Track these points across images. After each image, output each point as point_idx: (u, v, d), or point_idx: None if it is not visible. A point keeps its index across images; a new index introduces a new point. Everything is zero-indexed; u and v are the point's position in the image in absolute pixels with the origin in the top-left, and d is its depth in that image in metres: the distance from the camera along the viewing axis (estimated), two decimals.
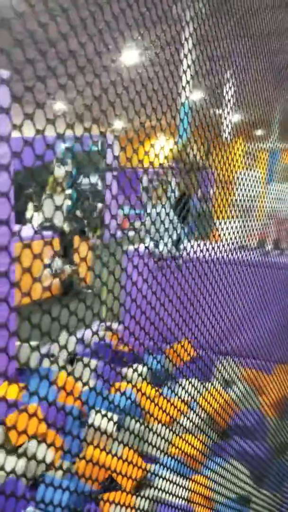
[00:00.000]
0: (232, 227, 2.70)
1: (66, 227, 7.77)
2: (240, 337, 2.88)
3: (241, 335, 2.90)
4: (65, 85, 1.16)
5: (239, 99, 2.50)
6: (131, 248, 1.77)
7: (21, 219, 8.61)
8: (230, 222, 2.66)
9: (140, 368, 3.33)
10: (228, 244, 2.61)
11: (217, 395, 2.67)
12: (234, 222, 2.72)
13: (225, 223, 2.62)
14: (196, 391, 2.32)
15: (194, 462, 2.44)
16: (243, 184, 2.88)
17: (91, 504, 2.81)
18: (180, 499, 2.20)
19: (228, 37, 2.14)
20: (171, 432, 2.09)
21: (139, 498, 2.03)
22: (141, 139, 1.66)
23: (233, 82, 2.48)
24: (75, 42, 1.18)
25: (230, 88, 2.44)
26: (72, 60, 1.17)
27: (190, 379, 2.29)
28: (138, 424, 1.88)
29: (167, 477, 2.07)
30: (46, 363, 3.98)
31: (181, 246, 2.16)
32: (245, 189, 2.90)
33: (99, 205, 8.83)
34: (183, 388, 2.19)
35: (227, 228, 2.59)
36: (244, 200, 2.95)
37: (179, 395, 2.12)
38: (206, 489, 2.48)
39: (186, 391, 2.22)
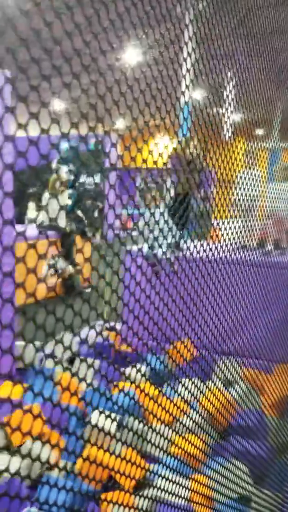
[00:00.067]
0: (232, 227, 2.70)
1: (67, 227, 7.77)
2: (242, 337, 2.88)
3: (243, 334, 2.89)
4: (69, 84, 1.15)
5: (242, 98, 2.49)
6: (134, 248, 1.76)
7: (21, 219, 8.61)
8: (230, 222, 2.66)
9: (141, 367, 3.31)
10: (228, 244, 2.60)
11: (219, 394, 2.67)
12: (234, 222, 2.71)
13: (223, 223, 2.61)
14: (196, 391, 2.31)
15: (194, 461, 2.43)
16: (244, 184, 2.87)
17: (91, 504, 2.81)
18: (181, 499, 2.20)
19: (231, 36, 2.13)
20: (172, 432, 2.08)
21: (139, 498, 2.03)
22: (142, 138, 1.65)
23: (236, 81, 2.47)
24: (79, 41, 1.17)
25: (233, 87, 2.44)
26: (76, 59, 1.16)
27: (191, 379, 2.28)
28: (138, 424, 1.87)
29: (167, 476, 2.06)
30: (47, 363, 3.98)
31: (182, 246, 2.14)
32: (245, 189, 2.90)
33: (100, 204, 8.83)
34: (186, 387, 2.19)
35: (225, 229, 2.58)
36: (244, 200, 2.95)
37: (179, 394, 2.12)
38: (206, 488, 2.48)
39: (187, 390, 2.22)
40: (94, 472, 1.61)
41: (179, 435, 2.18)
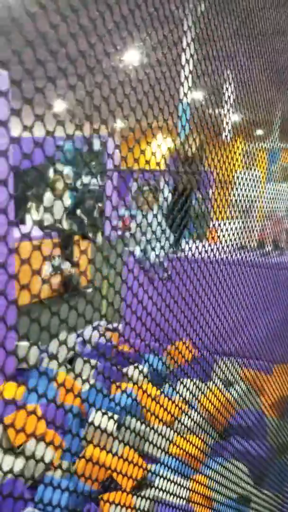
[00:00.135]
0: (231, 228, 2.70)
1: (67, 227, 7.77)
2: (243, 337, 2.89)
3: (243, 335, 2.90)
4: (74, 85, 1.15)
5: (243, 99, 2.50)
6: (134, 248, 1.76)
7: (22, 219, 8.61)
8: (229, 223, 2.66)
9: (140, 367, 3.32)
10: (227, 245, 2.60)
11: (219, 394, 2.67)
12: (233, 223, 2.71)
13: (224, 224, 2.62)
14: (194, 391, 2.32)
15: (194, 461, 2.44)
16: (243, 184, 2.88)
17: (91, 504, 2.81)
18: (180, 499, 2.20)
19: (232, 37, 2.13)
20: (171, 432, 2.09)
21: (139, 498, 2.03)
22: (144, 140, 1.65)
23: (236, 81, 2.48)
24: (82, 43, 1.17)
25: (233, 88, 2.44)
26: (81, 60, 1.16)
27: (192, 380, 2.29)
28: (138, 424, 1.87)
29: (167, 477, 2.06)
30: (47, 362, 3.98)
31: (181, 246, 2.14)
32: (244, 189, 2.90)
33: (100, 205, 8.83)
34: (186, 387, 2.19)
35: (222, 230, 2.58)
36: (243, 200, 2.95)
37: (179, 393, 2.12)
38: (206, 488, 2.48)
39: (188, 389, 2.23)
40: (93, 472, 1.61)
41: (179, 435, 2.18)
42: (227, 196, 2.59)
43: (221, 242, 2.59)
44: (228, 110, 2.37)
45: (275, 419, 3.52)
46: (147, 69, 1.57)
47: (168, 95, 1.63)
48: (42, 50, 1.10)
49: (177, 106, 1.69)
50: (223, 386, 2.96)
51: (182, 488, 2.19)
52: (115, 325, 4.61)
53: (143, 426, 1.95)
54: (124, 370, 3.35)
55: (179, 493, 2.15)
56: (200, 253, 2.15)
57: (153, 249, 1.80)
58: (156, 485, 1.99)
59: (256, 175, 3.16)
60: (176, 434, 2.13)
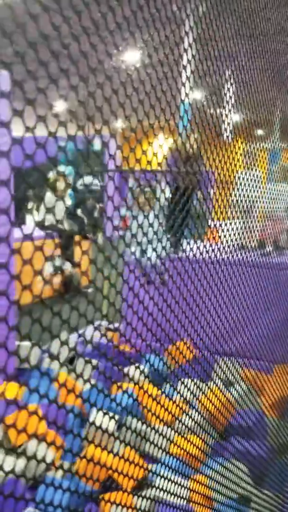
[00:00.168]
0: (232, 228, 2.70)
1: (67, 227, 7.77)
2: (244, 338, 2.89)
3: (244, 335, 2.90)
4: (76, 86, 1.15)
5: (244, 99, 2.50)
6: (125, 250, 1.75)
7: (23, 220, 8.61)
8: (230, 224, 2.66)
9: (141, 367, 3.32)
10: (228, 245, 2.61)
11: (219, 393, 2.68)
12: (231, 223, 2.71)
13: (225, 224, 2.62)
14: (194, 391, 2.32)
15: (194, 461, 2.44)
16: (243, 184, 2.88)
17: (91, 504, 2.81)
18: (180, 499, 2.21)
19: (234, 37, 2.13)
20: (171, 432, 2.09)
21: (139, 498, 2.03)
22: (142, 138, 1.64)
23: (237, 81, 2.48)
24: (87, 43, 1.17)
25: (234, 88, 2.44)
26: (83, 60, 1.16)
27: (193, 380, 2.29)
28: (139, 423, 1.88)
29: (167, 476, 2.07)
30: (47, 362, 3.98)
31: (182, 246, 2.13)
32: (245, 189, 2.90)
33: (99, 205, 8.83)
34: (186, 387, 2.20)
35: (224, 230, 2.58)
36: (244, 201, 2.95)
37: (179, 394, 2.12)
38: (206, 489, 2.49)
39: (188, 389, 2.23)
40: (93, 472, 1.61)
41: (180, 435, 2.19)
42: (227, 197, 2.59)
43: (222, 243, 2.59)
44: (230, 111, 2.37)
45: (275, 419, 3.53)
46: (146, 69, 1.57)
47: (170, 95, 1.64)
48: (43, 50, 1.10)
49: (179, 107, 1.69)
50: (223, 386, 2.96)
51: (182, 488, 2.19)
52: (115, 325, 4.61)
53: (144, 426, 1.96)
54: (125, 370, 3.35)
55: (179, 493, 2.16)
56: (201, 254, 2.15)
57: (144, 252, 1.74)
58: (156, 485, 2.00)
59: (256, 175, 3.16)
60: (176, 434, 2.13)
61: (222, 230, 2.57)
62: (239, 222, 2.93)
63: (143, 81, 1.47)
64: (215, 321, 2.38)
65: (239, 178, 2.77)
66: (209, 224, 2.70)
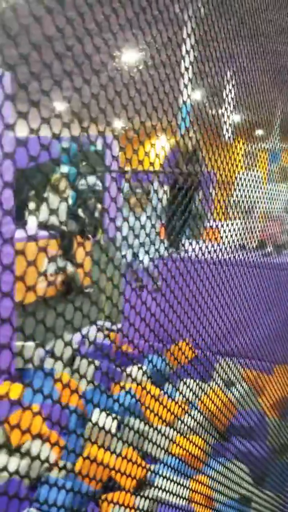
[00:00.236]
0: (232, 229, 2.71)
1: (67, 227, 7.78)
2: (245, 338, 2.89)
3: (245, 336, 2.90)
4: (79, 88, 1.16)
5: (246, 100, 2.50)
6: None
7: (22, 219, 8.61)
8: (230, 224, 2.67)
9: (139, 368, 3.32)
10: (230, 246, 2.61)
11: (220, 394, 2.68)
12: (232, 223, 2.72)
13: (227, 224, 2.62)
14: (195, 391, 2.32)
15: (194, 462, 2.44)
16: (243, 185, 2.88)
17: (91, 504, 2.82)
18: (180, 499, 2.21)
19: (235, 38, 2.14)
20: (172, 432, 2.09)
21: (139, 498, 2.04)
22: (143, 139, 1.65)
23: (238, 82, 2.48)
24: (90, 44, 1.18)
25: (235, 88, 2.45)
26: (87, 61, 1.17)
27: (193, 379, 2.29)
28: (139, 423, 1.88)
29: (168, 477, 2.07)
30: (48, 362, 3.98)
31: (182, 245, 2.12)
32: (245, 190, 2.91)
33: (99, 205, 8.83)
34: (188, 387, 2.20)
35: (224, 230, 2.59)
36: (244, 201, 2.96)
37: (179, 395, 2.13)
38: (207, 489, 2.49)
39: (190, 389, 2.23)
40: (93, 472, 1.61)
41: (181, 435, 2.19)
42: (227, 197, 2.60)
43: (221, 243, 2.59)
44: (231, 112, 2.38)
45: (276, 419, 3.53)
46: (144, 70, 1.58)
47: (171, 96, 1.64)
48: (44, 51, 1.10)
49: (181, 108, 1.69)
50: (225, 386, 2.97)
51: (183, 488, 2.20)
52: (116, 325, 4.61)
53: (144, 426, 1.96)
54: (128, 369, 3.35)
55: (180, 493, 2.16)
56: (203, 254, 2.15)
57: (135, 255, 1.69)
58: (157, 485, 2.00)
59: (257, 175, 3.17)
60: (177, 434, 2.13)
61: (224, 231, 2.58)
62: (239, 223, 2.93)
63: (145, 82, 1.48)
64: (216, 321, 2.38)
65: (240, 179, 2.77)
66: (205, 224, 2.70)
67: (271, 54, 2.82)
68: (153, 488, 2.05)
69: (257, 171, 3.39)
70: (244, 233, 3.04)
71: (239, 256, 2.76)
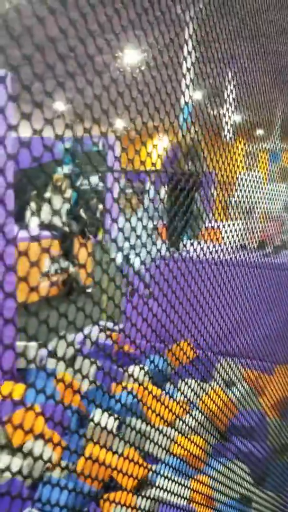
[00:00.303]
0: (233, 229, 2.71)
1: (68, 227, 7.78)
2: (246, 338, 2.89)
3: (246, 335, 2.91)
4: (82, 88, 1.16)
5: (247, 100, 2.50)
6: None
7: (21, 219, 8.62)
8: (229, 224, 2.67)
9: (139, 368, 3.33)
10: (230, 246, 2.61)
11: (221, 394, 2.68)
12: (232, 224, 2.72)
13: (228, 225, 2.63)
14: (196, 391, 2.33)
15: (195, 462, 2.45)
16: (244, 185, 2.89)
17: (92, 504, 2.82)
18: (181, 499, 2.21)
19: (236, 39, 2.14)
20: (172, 433, 2.10)
21: (140, 498, 2.04)
22: (144, 139, 1.65)
23: (240, 83, 2.49)
24: (92, 46, 1.18)
25: (237, 89, 2.45)
26: (89, 62, 1.17)
27: (196, 380, 2.30)
28: (139, 423, 1.88)
29: (168, 476, 2.07)
30: (48, 362, 3.99)
31: (182, 245, 2.12)
32: (245, 190, 2.91)
33: (100, 206, 8.84)
34: (190, 387, 2.20)
35: (226, 231, 2.59)
36: (244, 202, 2.96)
37: (179, 395, 2.13)
38: (207, 488, 2.49)
39: (192, 389, 2.24)
40: (94, 472, 1.62)
41: (181, 434, 2.19)
42: (227, 197, 2.60)
43: (225, 243, 2.59)
44: (233, 112, 2.38)
45: (277, 419, 3.54)
46: (149, 71, 1.58)
47: (172, 97, 1.64)
48: (44, 50, 1.11)
49: (183, 109, 1.70)
50: (225, 386, 2.97)
51: (184, 488, 2.20)
52: (115, 325, 4.62)
53: (146, 426, 1.96)
54: (131, 370, 3.36)
55: (181, 493, 2.16)
56: (204, 254, 2.16)
57: (126, 258, 1.64)
58: (158, 485, 2.00)
59: (257, 176, 3.17)
60: (177, 434, 2.14)
61: (225, 231, 2.58)
62: (240, 223, 2.94)
63: (147, 83, 1.48)
64: (217, 321, 2.39)
65: (241, 179, 2.77)
66: (204, 225, 2.70)
67: (272, 54, 2.83)
68: (154, 488, 2.05)
69: (257, 171, 3.39)
70: (245, 234, 3.04)
71: (240, 256, 2.76)
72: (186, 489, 2.25)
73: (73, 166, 8.78)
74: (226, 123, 2.34)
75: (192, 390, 2.27)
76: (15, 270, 1.02)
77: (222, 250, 2.45)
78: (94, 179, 9.00)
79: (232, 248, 2.61)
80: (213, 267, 2.28)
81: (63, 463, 3.04)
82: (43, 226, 7.43)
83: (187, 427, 2.25)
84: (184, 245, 2.06)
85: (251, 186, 2.98)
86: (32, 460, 1.23)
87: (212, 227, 2.85)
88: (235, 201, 2.93)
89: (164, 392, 2.02)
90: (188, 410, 2.27)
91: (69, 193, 8.45)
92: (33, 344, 3.95)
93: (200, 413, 2.42)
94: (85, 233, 8.24)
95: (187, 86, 1.70)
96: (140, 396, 1.93)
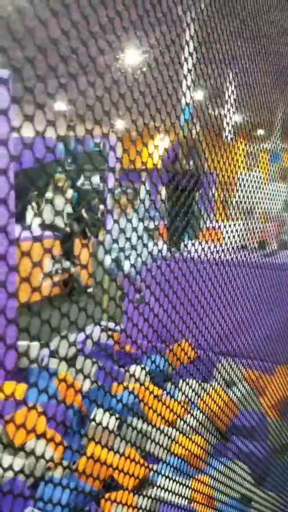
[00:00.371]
0: (234, 230, 2.71)
1: (69, 228, 7.79)
2: (247, 338, 2.90)
3: (247, 336, 2.91)
4: (85, 90, 1.17)
5: (248, 101, 2.51)
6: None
7: (21, 219, 8.63)
8: (230, 225, 2.67)
9: (140, 368, 3.33)
10: (230, 246, 2.62)
11: (222, 394, 2.69)
12: (232, 224, 2.72)
13: (228, 225, 2.63)
14: (197, 391, 2.33)
15: (195, 461, 2.45)
16: (245, 186, 2.89)
17: (92, 504, 2.83)
18: (182, 499, 2.22)
19: (238, 39, 2.15)
20: (172, 433, 2.10)
21: (141, 497, 2.04)
22: (144, 139, 1.65)
23: (241, 83, 2.49)
24: (94, 48, 1.19)
25: (238, 90, 2.46)
26: (92, 64, 1.18)
27: (197, 380, 2.30)
28: (140, 423, 1.89)
29: (169, 476, 2.08)
30: (50, 362, 4.00)
31: (185, 246, 2.12)
32: (246, 191, 2.91)
33: (101, 206, 8.85)
34: (190, 386, 2.21)
35: (228, 231, 2.59)
36: (244, 202, 2.96)
37: (180, 395, 2.14)
38: (207, 488, 2.50)
39: (192, 389, 2.24)
40: (95, 471, 1.62)
41: (182, 434, 2.20)
42: (227, 197, 2.60)
43: (226, 243, 2.60)
44: (234, 113, 2.39)
45: (277, 419, 3.54)
46: (147, 71, 1.58)
47: (173, 98, 1.65)
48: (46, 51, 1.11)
49: (184, 109, 1.70)
50: (226, 386, 2.98)
51: (184, 488, 2.21)
52: (117, 325, 4.62)
53: (147, 426, 1.97)
54: (131, 370, 3.36)
55: (180, 492, 2.17)
56: (206, 255, 2.16)
57: (115, 261, 1.59)
58: (158, 484, 2.01)
59: (258, 176, 3.18)
60: (178, 433, 2.14)
61: (226, 231, 2.59)
62: (240, 223, 2.94)
63: (149, 84, 1.49)
64: (218, 322, 2.39)
65: (242, 179, 2.78)
66: (203, 225, 2.70)
67: (273, 55, 2.83)
68: (154, 488, 2.06)
69: (258, 171, 3.40)
70: (245, 234, 3.05)
71: (240, 256, 2.77)
72: (187, 488, 2.25)
73: (73, 166, 8.79)
74: (227, 123, 2.35)
75: (193, 390, 2.27)
76: (18, 270, 1.03)
77: (223, 250, 2.46)
78: (96, 179, 9.00)
79: (232, 248, 2.61)
80: (214, 267, 2.29)
81: (64, 463, 3.05)
82: (44, 226, 7.43)
83: (188, 427, 2.26)
84: (185, 245, 2.06)
85: (251, 187, 2.98)
86: (33, 459, 1.24)
87: (213, 227, 2.86)
88: (236, 201, 2.93)
89: (165, 392, 2.02)
90: (189, 410, 2.27)
91: (69, 193, 8.46)
92: (35, 344, 3.95)
93: (201, 413, 2.42)
94: (86, 234, 8.25)
95: (188, 87, 1.71)
96: (141, 396, 1.94)
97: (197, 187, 2.47)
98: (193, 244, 2.12)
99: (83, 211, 8.48)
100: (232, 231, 2.61)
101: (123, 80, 1.40)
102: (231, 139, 2.48)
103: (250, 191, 2.95)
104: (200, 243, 2.21)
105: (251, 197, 2.99)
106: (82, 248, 7.71)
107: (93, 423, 1.74)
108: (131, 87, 1.40)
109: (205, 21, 1.85)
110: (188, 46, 1.66)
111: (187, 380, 2.25)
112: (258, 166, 3.62)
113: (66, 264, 7.62)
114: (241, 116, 2.74)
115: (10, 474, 2.62)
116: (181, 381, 2.19)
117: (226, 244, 2.62)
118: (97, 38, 1.19)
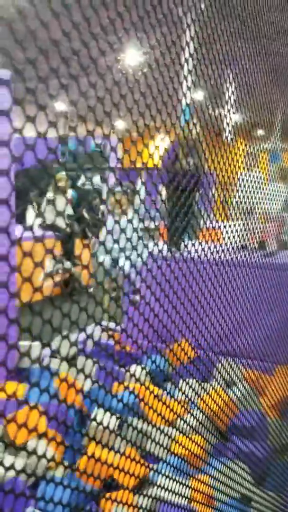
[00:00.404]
0: (234, 230, 2.72)
1: (70, 227, 7.80)
2: (247, 338, 2.90)
3: (247, 336, 2.91)
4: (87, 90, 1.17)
5: (248, 101, 2.51)
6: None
7: (21, 219, 8.63)
8: (230, 225, 2.68)
9: (140, 368, 3.34)
10: (230, 246, 2.62)
11: (222, 394, 2.69)
12: (232, 224, 2.73)
13: (228, 225, 2.63)
14: (197, 391, 2.34)
15: (194, 461, 2.46)
16: (244, 186, 2.89)
17: (91, 503, 2.83)
18: (182, 498, 2.22)
19: (238, 40, 2.15)
20: (172, 433, 2.11)
21: (141, 497, 2.05)
22: (143, 140, 1.65)
23: (241, 84, 2.50)
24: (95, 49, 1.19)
25: (238, 90, 2.46)
26: (92, 64, 1.18)
27: (192, 379, 2.31)
28: (140, 423, 1.89)
29: (168, 476, 2.08)
30: (50, 362, 4.00)
31: (185, 246, 2.12)
32: (245, 191, 2.92)
33: (102, 206, 8.85)
34: (190, 386, 2.21)
35: (228, 231, 2.60)
36: (243, 202, 2.97)
37: (179, 395, 2.14)
38: (207, 488, 2.50)
39: (192, 389, 2.25)
40: (95, 471, 1.63)
41: (182, 434, 2.21)
42: (227, 198, 2.61)
43: (226, 243, 2.60)
44: (234, 113, 2.39)
45: (277, 419, 3.54)
46: (146, 72, 1.59)
47: (174, 98, 1.65)
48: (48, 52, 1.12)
49: (184, 110, 1.71)
50: (226, 386, 2.98)
51: (184, 488, 2.21)
52: (116, 325, 4.63)
53: (147, 426, 1.97)
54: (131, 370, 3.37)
55: (180, 492, 2.17)
56: (206, 255, 2.17)
57: (113, 261, 1.57)
58: (158, 484, 2.02)
59: (258, 176, 3.18)
60: (177, 433, 2.15)
61: (226, 232, 2.59)
62: (240, 224, 2.95)
63: (150, 85, 1.49)
64: (218, 322, 2.40)
65: (242, 180, 2.78)
66: (205, 225, 2.71)
67: (273, 55, 2.84)
68: (154, 487, 2.06)
69: (258, 171, 3.40)
70: (245, 234, 3.05)
71: (240, 256, 2.77)
72: (187, 488, 2.26)
73: (74, 166, 8.79)
74: (227, 124, 2.35)
75: (193, 389, 2.28)
76: (19, 270, 1.03)
77: (222, 250, 2.46)
78: (96, 179, 9.00)
79: (232, 248, 2.62)
80: (214, 267, 2.29)
81: (65, 463, 3.05)
82: (44, 226, 7.44)
83: (188, 427, 2.26)
84: (185, 245, 2.07)
85: (251, 187, 2.99)
86: (35, 459, 1.24)
87: (213, 227, 2.86)
88: (236, 202, 2.94)
89: (165, 391, 2.03)
90: (189, 410, 2.28)
91: (69, 193, 8.46)
92: (36, 344, 3.95)
93: (201, 413, 2.43)
94: (87, 234, 8.25)
95: (189, 88, 1.72)
96: (142, 396, 1.94)
97: (197, 187, 2.48)
98: (193, 244, 2.12)
99: (84, 211, 8.49)
100: (232, 231, 2.62)
101: (124, 81, 1.40)
102: (231, 139, 2.48)
103: (250, 191, 2.95)
104: (200, 243, 2.21)
105: (251, 197, 3.00)
106: (83, 249, 7.73)
107: (93, 423, 1.75)
108: (131, 88, 1.40)
109: (206, 22, 1.86)
110: (189, 47, 1.67)
111: (187, 380, 2.25)
112: (258, 166, 3.62)
113: (67, 264, 7.63)
114: (241, 117, 2.75)
115: (11, 473, 2.63)
116: (181, 381, 2.20)
117: (226, 244, 2.62)
118: (98, 39, 1.20)
